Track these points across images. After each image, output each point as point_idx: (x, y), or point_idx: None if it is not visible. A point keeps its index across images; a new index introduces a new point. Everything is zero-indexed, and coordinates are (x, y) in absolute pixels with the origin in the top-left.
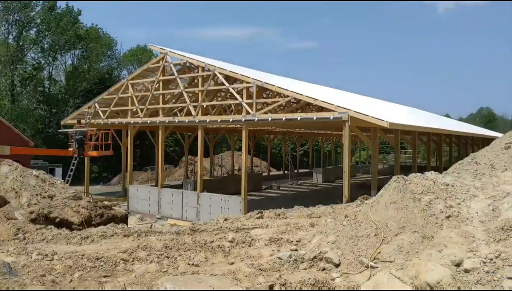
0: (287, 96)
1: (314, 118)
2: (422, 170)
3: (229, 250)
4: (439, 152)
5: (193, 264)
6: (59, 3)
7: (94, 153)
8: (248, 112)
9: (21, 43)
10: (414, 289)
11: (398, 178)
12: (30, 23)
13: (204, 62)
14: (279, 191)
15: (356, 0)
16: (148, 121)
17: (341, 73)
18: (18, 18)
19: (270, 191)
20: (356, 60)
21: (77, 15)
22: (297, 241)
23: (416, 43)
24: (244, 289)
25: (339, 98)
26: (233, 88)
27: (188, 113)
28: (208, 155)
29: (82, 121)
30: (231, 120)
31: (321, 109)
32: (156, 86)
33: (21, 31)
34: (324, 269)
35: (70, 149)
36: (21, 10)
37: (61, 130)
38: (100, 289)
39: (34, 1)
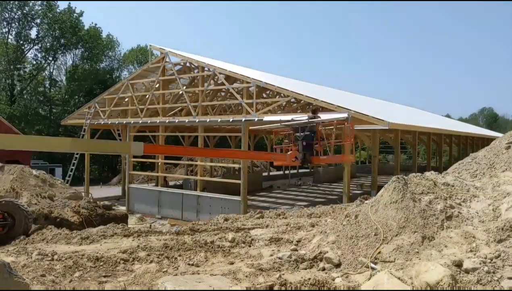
0: (287, 96)
1: None
2: (422, 169)
3: (229, 250)
4: (439, 151)
5: (193, 264)
6: (59, 3)
7: (332, 159)
8: (248, 112)
9: (21, 42)
10: (414, 289)
11: (398, 178)
12: (30, 22)
13: (204, 62)
14: (284, 195)
15: (356, 0)
16: (148, 122)
17: (341, 73)
18: (17, 16)
19: (272, 194)
20: (356, 60)
21: (78, 16)
22: (297, 241)
23: (416, 43)
24: (244, 289)
25: (339, 98)
26: (233, 88)
27: (188, 113)
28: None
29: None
30: (231, 120)
31: (321, 109)
32: (156, 86)
33: (21, 31)
34: (324, 269)
35: (289, 153)
36: (20, 8)
37: (287, 124)
38: (100, 289)
39: (34, 1)
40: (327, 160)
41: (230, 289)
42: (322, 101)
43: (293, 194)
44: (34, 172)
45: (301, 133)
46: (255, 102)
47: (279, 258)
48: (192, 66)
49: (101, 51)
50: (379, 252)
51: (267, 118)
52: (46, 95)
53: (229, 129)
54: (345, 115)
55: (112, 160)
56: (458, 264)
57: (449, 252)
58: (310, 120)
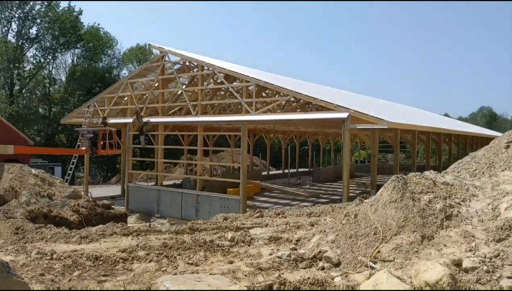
0: (287, 95)
1: (314, 117)
2: (421, 169)
3: (229, 249)
4: (438, 151)
5: (192, 263)
6: (60, 3)
7: (107, 151)
8: (247, 112)
9: (21, 41)
10: (413, 288)
11: (398, 177)
12: (30, 21)
13: (204, 61)
14: (284, 195)
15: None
16: (150, 120)
17: (341, 73)
18: (17, 16)
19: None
20: (356, 60)
21: (78, 15)
22: (296, 240)
23: (416, 42)
24: (244, 288)
25: (339, 97)
26: (232, 87)
27: (188, 113)
28: (207, 154)
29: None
30: (230, 119)
31: (320, 108)
32: (156, 85)
33: (21, 30)
34: (323, 268)
35: (83, 148)
36: (20, 7)
37: (77, 128)
38: (99, 288)
39: (35, 0)
40: (104, 152)
41: (230, 288)
42: (321, 100)
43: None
44: (33, 170)
45: (89, 135)
46: (254, 101)
47: (279, 257)
48: (192, 65)
49: (100, 50)
50: (379, 251)
51: (267, 117)
52: (45, 94)
53: (229, 128)
54: (345, 115)
55: (112, 160)
56: (458, 264)
57: (449, 252)
58: (92, 128)
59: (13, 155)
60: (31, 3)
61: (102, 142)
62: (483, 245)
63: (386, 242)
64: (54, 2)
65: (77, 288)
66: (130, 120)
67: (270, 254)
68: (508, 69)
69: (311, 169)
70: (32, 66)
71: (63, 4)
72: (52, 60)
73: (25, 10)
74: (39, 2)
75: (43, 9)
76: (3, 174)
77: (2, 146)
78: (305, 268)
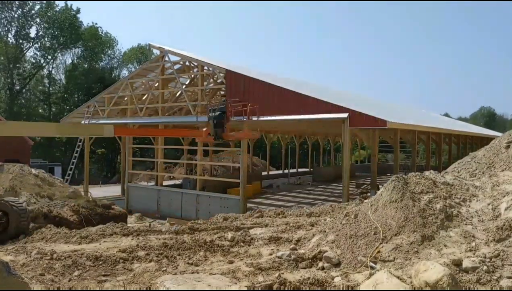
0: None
1: (314, 117)
2: (421, 169)
3: (229, 249)
4: (438, 151)
5: (192, 263)
6: (58, 3)
7: (239, 135)
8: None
9: (20, 41)
10: (413, 288)
11: (398, 177)
12: (30, 21)
13: (204, 61)
14: (284, 196)
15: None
16: (148, 121)
17: (341, 72)
18: (17, 16)
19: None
20: (355, 59)
21: (76, 13)
22: (296, 240)
23: (416, 42)
24: (244, 288)
25: (339, 97)
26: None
27: (188, 113)
28: (207, 154)
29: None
30: (230, 119)
31: (321, 108)
32: (156, 85)
33: (20, 29)
34: (323, 268)
35: (204, 129)
36: (19, 7)
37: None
38: (99, 288)
39: (34, 0)
40: (235, 136)
41: (230, 288)
42: (321, 100)
43: (291, 195)
44: (34, 171)
45: (212, 114)
46: None
47: (279, 257)
48: (192, 65)
49: (100, 49)
50: (379, 251)
51: (267, 117)
52: (45, 94)
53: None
54: (345, 115)
55: (111, 159)
56: (458, 264)
57: (449, 252)
58: (219, 105)
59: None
60: (30, 3)
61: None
62: (483, 245)
63: (386, 242)
64: (52, 1)
65: (77, 288)
66: (130, 120)
67: (270, 254)
68: (509, 69)
69: (311, 169)
70: (31, 66)
71: (61, 4)
72: (51, 60)
73: (25, 10)
74: (38, 2)
75: (40, 8)
76: (3, 174)
77: (100, 126)
78: (305, 268)
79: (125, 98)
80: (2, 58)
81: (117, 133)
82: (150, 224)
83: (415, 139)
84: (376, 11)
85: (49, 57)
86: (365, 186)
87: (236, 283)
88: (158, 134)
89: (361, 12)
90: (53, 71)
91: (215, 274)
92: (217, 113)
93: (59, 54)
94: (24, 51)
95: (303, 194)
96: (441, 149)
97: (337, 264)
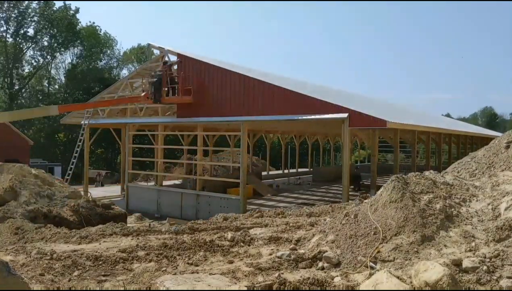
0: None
1: (314, 117)
2: (421, 169)
3: (229, 249)
4: (438, 151)
5: (192, 263)
6: (57, 3)
7: (173, 99)
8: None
9: (19, 40)
10: (413, 288)
11: (398, 177)
12: (27, 19)
13: (202, 61)
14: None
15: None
16: (148, 120)
17: (341, 72)
18: (14, 15)
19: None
20: (356, 59)
21: (74, 13)
22: (296, 240)
23: (416, 42)
24: (243, 288)
25: (339, 97)
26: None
27: None
28: (207, 153)
29: (83, 122)
30: (231, 119)
31: (320, 108)
32: None
33: (18, 29)
34: (323, 268)
35: (143, 93)
36: (15, 7)
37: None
38: (99, 288)
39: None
40: (169, 100)
41: (229, 288)
42: (321, 100)
43: (294, 196)
44: (33, 170)
45: (151, 80)
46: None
47: (278, 257)
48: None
49: (99, 49)
50: (378, 251)
51: (267, 117)
52: (45, 93)
53: (229, 128)
54: (345, 115)
55: (111, 159)
56: (457, 264)
57: (449, 252)
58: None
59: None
60: (26, 2)
61: (165, 89)
62: (483, 245)
63: (386, 242)
64: (50, 1)
65: (77, 288)
66: (130, 120)
67: (270, 254)
68: (509, 69)
69: (311, 169)
70: (31, 66)
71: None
72: (51, 60)
73: (21, 9)
74: (36, 1)
75: (39, 8)
76: (3, 174)
77: (45, 107)
78: (305, 268)
79: None
80: (1, 58)
81: (60, 110)
82: (150, 224)
83: (415, 139)
84: (376, 11)
85: (48, 57)
86: (364, 194)
87: (236, 283)
88: (101, 105)
89: (361, 13)
90: (52, 71)
91: (215, 274)
92: (155, 79)
93: (59, 54)
94: (24, 51)
95: (305, 195)
96: (441, 148)
97: (337, 264)
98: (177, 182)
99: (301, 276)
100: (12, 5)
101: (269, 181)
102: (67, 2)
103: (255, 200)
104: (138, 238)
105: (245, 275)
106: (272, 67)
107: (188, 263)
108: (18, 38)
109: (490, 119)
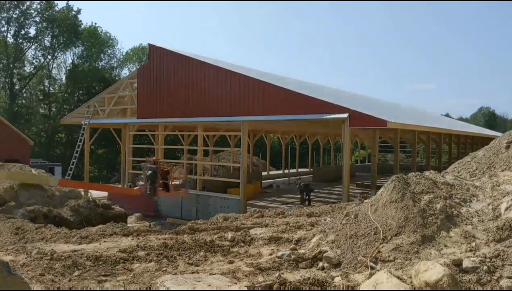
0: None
1: (314, 117)
2: (421, 169)
3: (229, 249)
4: (438, 151)
5: (192, 263)
6: (58, 2)
7: (170, 193)
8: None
9: (19, 41)
10: (414, 288)
11: (398, 177)
12: (29, 19)
13: (201, 61)
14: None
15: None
16: (148, 121)
17: (340, 72)
18: (16, 15)
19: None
20: (356, 60)
21: (76, 14)
22: (296, 240)
23: (417, 43)
24: (244, 288)
25: (339, 97)
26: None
27: None
28: (207, 153)
29: (83, 122)
30: (231, 119)
31: (321, 108)
32: None
33: (19, 29)
34: (323, 268)
35: (136, 188)
36: (17, 7)
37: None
38: (99, 288)
39: (33, 0)
40: (162, 194)
41: (230, 288)
42: (322, 100)
43: (297, 197)
44: (34, 171)
45: (147, 172)
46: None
47: (279, 257)
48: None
49: (99, 49)
50: (379, 252)
51: (267, 118)
52: (45, 93)
53: (229, 128)
54: (345, 115)
55: (111, 159)
56: (458, 264)
57: (449, 252)
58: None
59: (13, 155)
60: (28, 2)
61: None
62: (483, 245)
63: (386, 242)
64: (52, 1)
65: (77, 288)
66: (130, 120)
67: (270, 254)
68: (509, 69)
69: (311, 169)
70: (32, 66)
71: (61, 4)
72: (52, 60)
73: (23, 9)
74: (38, 1)
75: (39, 7)
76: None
77: (45, 177)
78: (305, 268)
79: (126, 98)
80: (2, 57)
81: (61, 184)
82: (150, 224)
83: (415, 139)
84: (376, 10)
85: (49, 57)
86: (365, 194)
87: (236, 283)
88: (92, 188)
89: (359, 11)
90: (53, 71)
91: (215, 274)
92: (150, 172)
93: (59, 54)
94: (24, 51)
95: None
96: (441, 149)
97: (337, 264)
98: (177, 182)
99: (301, 276)
100: (14, 5)
101: (269, 181)
102: (70, 3)
103: (257, 202)
104: (138, 238)
105: (246, 275)
106: (271, 68)
107: (188, 263)
108: (19, 39)
109: (490, 119)
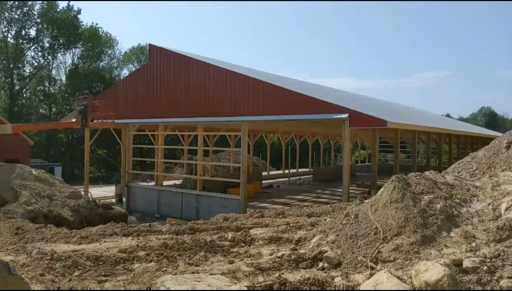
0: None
1: (314, 117)
2: (421, 169)
3: (229, 249)
4: (439, 151)
5: (192, 263)
6: (59, 3)
7: (97, 124)
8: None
9: (20, 41)
10: (414, 288)
11: (398, 177)
12: (30, 20)
13: (203, 61)
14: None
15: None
16: (148, 121)
17: (341, 72)
18: (17, 16)
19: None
20: (356, 59)
21: (76, 14)
22: (296, 240)
23: (416, 43)
24: (244, 288)
25: (339, 97)
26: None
27: None
28: (207, 154)
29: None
30: (231, 119)
31: (321, 108)
32: None
33: (20, 30)
34: (323, 268)
35: (73, 120)
36: (19, 7)
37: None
38: (99, 288)
39: (35, 1)
40: (95, 125)
41: (230, 288)
42: (322, 100)
43: (298, 197)
44: (34, 171)
45: (80, 108)
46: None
47: (279, 258)
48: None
49: (100, 49)
50: (379, 252)
51: (267, 118)
52: (46, 94)
53: (229, 128)
54: (345, 115)
55: (111, 159)
56: (458, 264)
57: (449, 252)
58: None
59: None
60: (29, 3)
61: (92, 115)
62: (484, 245)
63: (387, 242)
64: (54, 2)
65: (77, 288)
66: (130, 120)
67: (271, 254)
68: (509, 69)
69: (311, 169)
70: (32, 66)
71: (62, 4)
72: (52, 60)
73: (24, 10)
74: (39, 2)
75: (41, 7)
76: (3, 174)
77: (1, 126)
78: (305, 268)
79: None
80: (2, 58)
81: (14, 130)
82: (150, 224)
83: (415, 140)
84: (375, 10)
85: (50, 57)
86: (365, 194)
87: (236, 283)
88: (38, 128)
89: (358, 12)
90: (53, 71)
91: (215, 274)
92: (82, 107)
93: (60, 54)
94: (25, 51)
95: (310, 197)
96: (442, 149)
97: (338, 264)
98: (177, 182)
99: (301, 276)
100: (15, 6)
101: (269, 181)
102: (70, 4)
103: (258, 203)
104: (138, 238)
105: (246, 275)
106: (271, 68)
107: (188, 263)
108: (19, 39)
109: (490, 119)
